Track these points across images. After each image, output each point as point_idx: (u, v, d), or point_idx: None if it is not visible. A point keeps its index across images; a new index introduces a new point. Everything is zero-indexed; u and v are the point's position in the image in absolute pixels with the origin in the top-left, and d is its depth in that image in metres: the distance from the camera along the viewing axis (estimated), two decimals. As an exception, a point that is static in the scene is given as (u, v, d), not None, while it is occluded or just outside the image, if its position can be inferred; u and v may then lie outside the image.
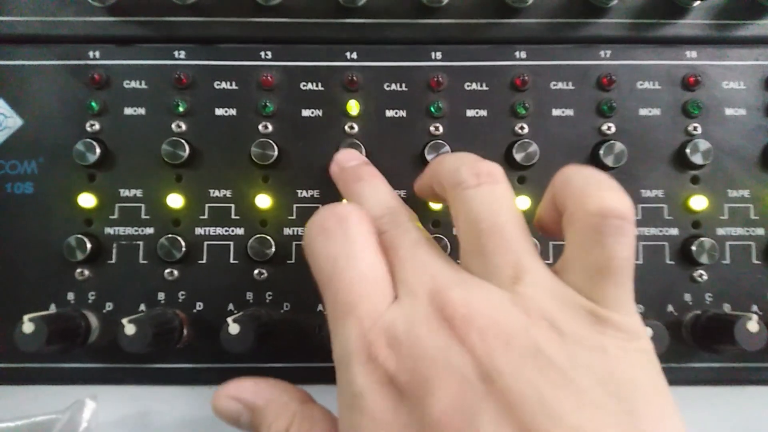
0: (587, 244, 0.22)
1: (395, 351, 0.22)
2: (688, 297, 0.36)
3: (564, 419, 0.19)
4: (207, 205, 0.36)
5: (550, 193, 0.25)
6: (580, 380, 0.20)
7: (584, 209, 0.22)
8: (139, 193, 0.36)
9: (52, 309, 0.35)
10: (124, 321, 0.30)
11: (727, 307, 0.36)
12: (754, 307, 0.36)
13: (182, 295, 0.35)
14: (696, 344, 0.35)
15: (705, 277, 0.36)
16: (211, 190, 0.36)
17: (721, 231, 0.36)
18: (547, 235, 0.27)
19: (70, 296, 0.35)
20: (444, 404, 0.20)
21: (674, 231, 0.36)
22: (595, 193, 0.22)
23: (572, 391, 0.19)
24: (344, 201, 0.28)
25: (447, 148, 0.35)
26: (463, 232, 0.25)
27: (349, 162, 0.33)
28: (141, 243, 0.36)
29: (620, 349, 0.21)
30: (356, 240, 0.25)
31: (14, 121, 0.36)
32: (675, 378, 0.35)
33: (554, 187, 0.25)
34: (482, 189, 0.25)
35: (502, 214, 0.24)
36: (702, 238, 0.35)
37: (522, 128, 0.36)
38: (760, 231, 0.36)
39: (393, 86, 0.37)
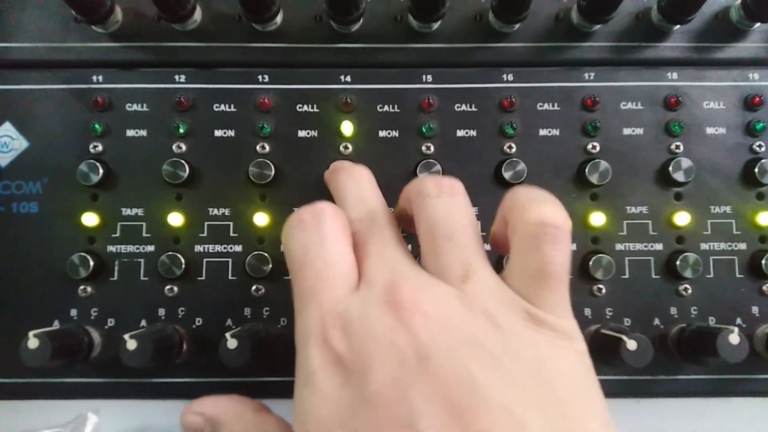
0: (526, 250, 0.24)
1: (347, 334, 0.23)
2: (674, 310, 0.37)
3: (491, 397, 0.20)
4: (206, 223, 0.37)
5: (501, 211, 0.28)
6: (510, 365, 0.21)
7: (524, 219, 0.25)
8: (140, 212, 0.37)
9: (56, 325, 0.36)
10: (126, 336, 0.31)
11: (712, 320, 0.37)
12: (738, 320, 0.37)
13: (182, 311, 0.36)
14: (681, 357, 0.36)
15: (690, 291, 0.37)
16: (211, 209, 0.37)
17: (704, 246, 0.37)
18: (500, 251, 0.29)
19: (73, 313, 0.36)
20: (381, 379, 0.21)
21: (659, 246, 0.37)
22: (534, 205, 0.25)
23: (502, 374, 0.21)
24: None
25: (438, 167, 0.37)
26: (422, 235, 0.27)
27: (341, 162, 0.35)
28: (142, 260, 0.37)
29: (553, 345, 0.23)
30: (328, 233, 0.27)
31: (20, 143, 0.38)
32: (662, 390, 0.36)
33: (503, 205, 0.27)
34: (442, 199, 0.27)
35: (458, 221, 0.27)
36: (686, 253, 0.36)
37: (510, 147, 0.38)
38: (743, 246, 0.37)
39: (386, 108, 0.38)
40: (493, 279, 0.25)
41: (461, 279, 0.25)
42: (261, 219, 0.37)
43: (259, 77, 0.38)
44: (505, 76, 0.38)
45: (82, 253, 0.36)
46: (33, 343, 0.31)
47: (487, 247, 0.29)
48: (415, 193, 0.28)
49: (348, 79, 0.39)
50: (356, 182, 0.31)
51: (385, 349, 0.22)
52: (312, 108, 0.38)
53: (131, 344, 0.31)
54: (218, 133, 0.38)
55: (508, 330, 0.23)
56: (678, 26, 0.38)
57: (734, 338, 0.32)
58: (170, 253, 0.36)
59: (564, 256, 0.24)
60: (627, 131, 0.38)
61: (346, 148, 0.38)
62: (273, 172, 0.37)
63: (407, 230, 0.32)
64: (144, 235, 0.37)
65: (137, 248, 0.37)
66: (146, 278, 0.37)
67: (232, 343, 0.31)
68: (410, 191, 0.29)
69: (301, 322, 0.25)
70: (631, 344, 0.31)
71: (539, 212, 0.24)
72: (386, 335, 0.23)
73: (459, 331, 0.22)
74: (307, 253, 0.27)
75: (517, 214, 0.25)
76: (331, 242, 0.27)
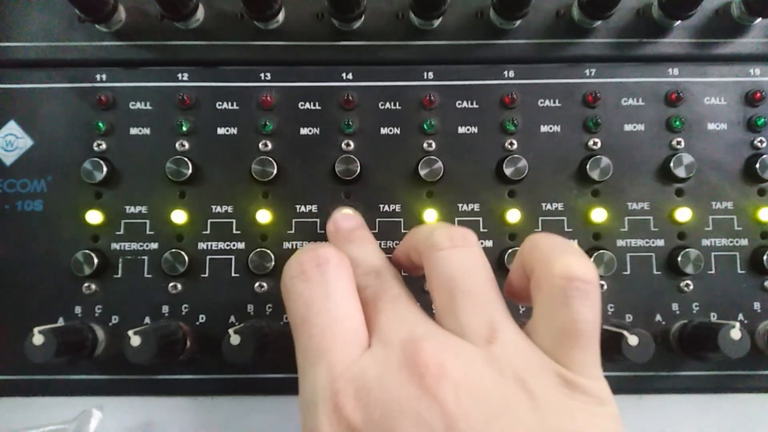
0: (553, 306, 0.23)
1: (362, 401, 0.22)
2: (675, 306, 0.37)
3: None
4: (209, 221, 0.37)
5: (518, 260, 0.26)
6: None
7: (550, 272, 0.23)
8: (144, 209, 0.37)
9: (60, 322, 0.36)
10: (130, 333, 0.31)
11: (713, 317, 0.37)
12: (740, 316, 0.37)
13: (185, 308, 0.37)
14: (683, 353, 0.36)
15: (692, 287, 0.37)
16: (214, 206, 0.37)
17: (706, 242, 0.37)
18: (517, 300, 0.27)
19: (78, 310, 0.37)
20: None
21: (660, 242, 0.37)
22: (561, 257, 0.23)
23: None
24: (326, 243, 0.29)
25: (440, 163, 0.37)
26: (436, 291, 0.26)
27: (346, 223, 0.33)
28: (146, 258, 0.37)
29: (588, 414, 0.21)
30: (334, 284, 0.25)
31: (25, 142, 0.38)
32: (663, 386, 0.37)
33: (522, 253, 0.26)
34: (456, 251, 0.26)
35: (476, 274, 0.25)
36: (687, 249, 0.36)
37: (511, 144, 0.38)
38: (744, 242, 0.37)
39: (387, 105, 0.38)
40: (521, 338, 0.24)
41: (486, 339, 0.23)
42: (264, 216, 0.37)
43: (262, 75, 0.39)
44: (506, 72, 0.38)
45: (87, 251, 0.36)
46: (38, 339, 0.31)
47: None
48: (426, 245, 0.27)
49: (350, 76, 0.39)
50: (357, 244, 0.31)
51: (410, 421, 0.20)
52: (314, 105, 0.38)
53: (135, 340, 0.31)
54: (221, 130, 0.38)
55: (542, 398, 0.21)
56: (679, 22, 0.38)
57: (736, 333, 0.32)
58: (174, 250, 0.36)
59: (594, 312, 0.23)
60: (628, 127, 0.38)
61: (348, 145, 0.38)
62: (275, 169, 0.37)
63: (410, 274, 0.32)
64: (148, 232, 0.37)
65: (141, 245, 0.37)
66: (150, 275, 0.37)
67: (235, 339, 0.31)
68: (418, 241, 0.27)
69: (308, 384, 0.24)
70: (633, 339, 0.31)
71: (566, 265, 0.23)
72: (410, 405, 0.21)
73: (491, 401, 0.21)
74: (311, 307, 0.25)
75: (541, 265, 0.24)
76: (338, 295, 0.25)
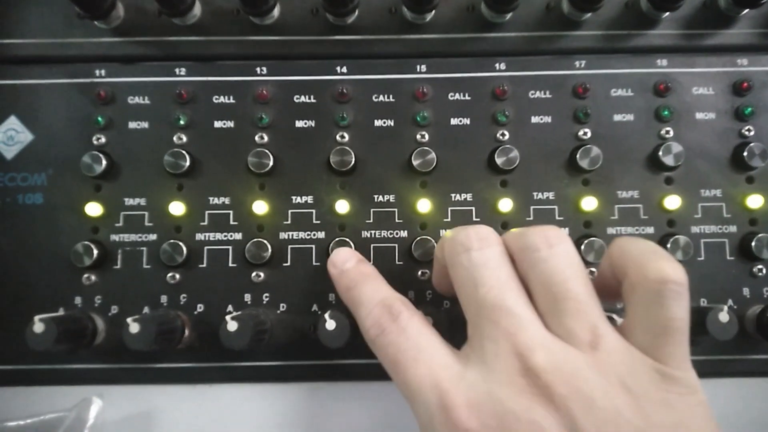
0: (650, 307, 0.25)
1: (476, 410, 0.24)
2: (665, 292, 0.37)
3: None
4: (207, 212, 0.38)
5: (606, 262, 0.28)
6: None
7: (645, 276, 0.25)
8: (142, 201, 0.38)
9: (61, 312, 0.37)
10: (129, 320, 0.32)
11: (703, 302, 0.37)
12: (730, 302, 0.37)
13: (184, 297, 0.37)
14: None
15: (681, 274, 0.37)
16: (211, 198, 0.38)
17: (695, 229, 0.38)
18: (603, 299, 0.28)
19: (78, 300, 0.37)
20: None
21: (650, 230, 0.38)
22: (654, 262, 0.25)
23: None
24: (380, 295, 0.30)
25: (433, 154, 0.37)
26: (538, 294, 0.27)
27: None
28: (144, 249, 0.38)
29: (685, 404, 0.24)
30: (413, 336, 0.28)
31: (25, 136, 0.39)
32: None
33: (611, 257, 0.27)
34: (553, 252, 0.27)
35: (576, 278, 0.26)
36: (677, 236, 0.37)
37: (503, 135, 0.38)
38: (733, 228, 0.38)
39: (381, 97, 0.39)
40: (620, 341, 0.25)
41: (591, 345, 0.25)
42: (260, 207, 0.38)
43: (258, 69, 0.39)
44: (497, 65, 0.39)
45: (86, 242, 0.37)
46: (38, 327, 0.32)
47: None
48: (522, 248, 0.28)
49: (344, 70, 0.39)
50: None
51: (528, 429, 0.22)
52: (309, 99, 0.39)
53: (134, 327, 0.32)
54: (218, 124, 0.39)
55: (644, 397, 0.23)
56: (667, 14, 0.39)
57: (724, 316, 0.32)
58: (172, 241, 0.37)
59: (687, 311, 0.25)
60: (617, 117, 0.39)
61: (342, 137, 0.38)
62: (271, 161, 0.37)
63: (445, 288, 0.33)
64: (146, 224, 0.38)
65: (140, 237, 0.38)
66: (149, 266, 0.37)
67: (232, 326, 0.32)
68: (511, 244, 0.28)
69: (421, 409, 0.25)
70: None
71: (660, 268, 0.25)
72: (526, 414, 0.23)
73: (601, 406, 0.23)
74: (398, 361, 0.27)
75: (635, 270, 0.26)
76: (421, 341, 0.27)
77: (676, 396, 0.24)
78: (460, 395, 0.24)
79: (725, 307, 0.33)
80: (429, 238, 0.37)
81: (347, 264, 0.33)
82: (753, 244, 0.37)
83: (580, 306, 0.26)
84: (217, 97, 0.39)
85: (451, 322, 0.34)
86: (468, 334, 0.27)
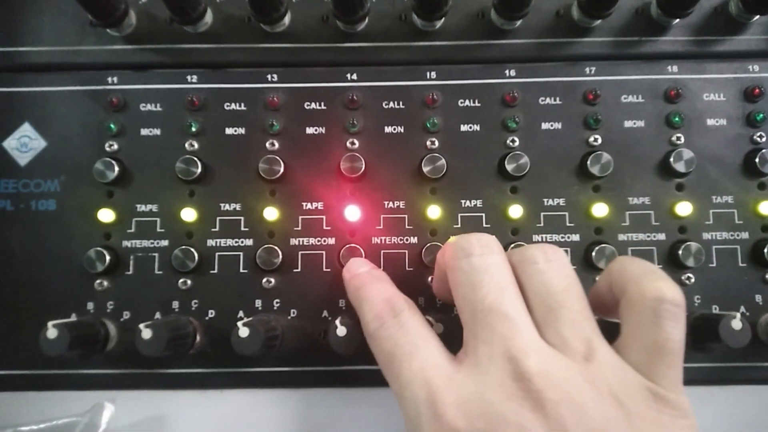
0: (646, 325, 0.25)
1: (463, 409, 0.24)
2: (677, 299, 0.37)
3: None
4: (218, 218, 0.38)
5: (605, 279, 0.28)
6: None
7: (643, 295, 0.25)
8: (154, 207, 0.38)
9: (73, 318, 0.37)
10: (141, 326, 0.32)
11: (715, 309, 0.37)
12: (742, 308, 0.37)
13: (195, 303, 0.37)
14: (685, 345, 0.36)
15: (693, 280, 0.37)
16: (222, 204, 0.38)
17: (707, 235, 0.38)
18: (600, 315, 0.29)
19: (90, 306, 0.37)
20: None
21: (662, 236, 0.38)
22: (653, 282, 0.25)
23: None
24: (385, 294, 0.31)
25: (443, 160, 0.37)
26: (534, 304, 0.27)
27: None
28: (156, 255, 0.38)
29: (676, 426, 0.23)
30: (411, 329, 0.28)
31: (39, 143, 0.39)
32: (666, 377, 0.37)
33: (611, 274, 0.28)
34: (551, 266, 0.27)
35: (572, 291, 0.27)
36: (688, 243, 0.37)
37: (513, 141, 0.38)
38: (745, 235, 0.38)
39: (391, 104, 0.39)
40: (613, 356, 0.25)
41: (584, 356, 0.25)
42: (271, 213, 0.38)
43: (269, 77, 0.40)
44: (507, 71, 0.39)
45: (99, 248, 0.37)
46: (52, 332, 0.32)
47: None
48: (520, 258, 0.28)
49: (354, 77, 0.40)
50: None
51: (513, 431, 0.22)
52: (320, 105, 0.39)
53: (146, 333, 0.32)
54: (229, 131, 0.39)
55: (635, 413, 0.23)
56: (677, 20, 0.39)
57: (737, 323, 0.32)
58: (183, 247, 0.37)
59: (682, 333, 0.25)
60: (628, 124, 0.39)
61: (353, 143, 0.39)
62: (282, 168, 0.38)
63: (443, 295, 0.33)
64: (158, 230, 0.38)
65: (152, 243, 0.38)
66: (160, 272, 0.38)
67: (243, 332, 0.32)
68: (511, 257, 0.29)
69: (410, 405, 0.25)
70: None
71: (658, 288, 0.25)
72: (514, 417, 0.23)
73: (591, 417, 0.22)
74: (394, 354, 0.27)
75: (633, 288, 0.26)
76: (418, 338, 0.28)
77: (667, 417, 0.23)
78: (449, 394, 0.24)
79: (738, 315, 0.32)
80: (439, 244, 0.37)
81: (360, 269, 0.34)
82: (765, 250, 0.37)
83: (575, 317, 0.26)
84: (228, 104, 0.39)
85: (461, 329, 0.34)
86: (464, 338, 0.27)
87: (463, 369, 0.25)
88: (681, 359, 0.25)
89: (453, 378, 0.25)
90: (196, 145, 0.39)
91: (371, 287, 0.31)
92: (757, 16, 0.39)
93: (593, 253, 0.37)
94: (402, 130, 0.39)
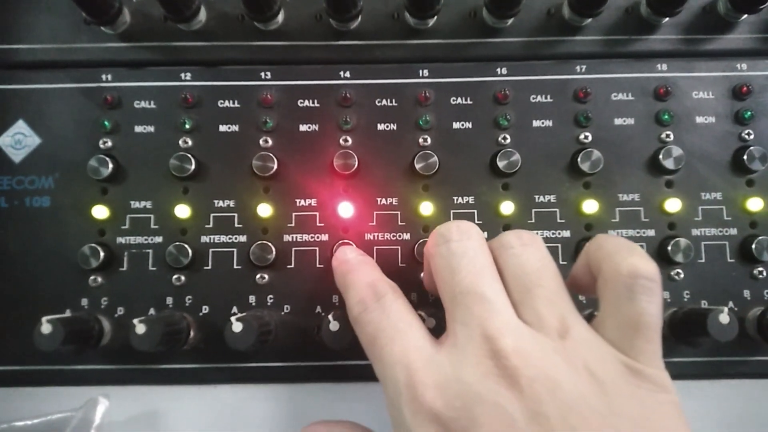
0: (621, 301, 0.25)
1: (441, 389, 0.24)
2: (666, 295, 0.38)
3: None
4: (212, 215, 0.38)
5: (584, 258, 0.28)
6: (619, 424, 0.22)
7: (618, 271, 0.25)
8: (148, 204, 0.38)
9: (68, 314, 0.37)
10: (135, 321, 0.32)
11: (704, 304, 0.38)
12: (731, 304, 0.38)
13: (189, 299, 0.38)
14: (675, 339, 0.36)
15: (682, 276, 0.38)
16: (216, 201, 0.38)
17: (696, 231, 0.38)
18: (580, 293, 0.29)
19: (84, 302, 0.38)
20: None
21: (651, 232, 0.38)
22: (627, 258, 0.25)
23: None
24: (370, 278, 0.31)
25: (435, 158, 0.38)
26: (511, 286, 0.27)
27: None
28: (150, 251, 0.38)
29: (654, 401, 0.23)
30: (393, 313, 0.28)
31: (33, 140, 0.39)
32: (655, 371, 0.37)
33: (588, 253, 0.28)
34: (526, 249, 0.28)
35: (547, 271, 0.27)
36: (677, 238, 0.37)
37: (505, 138, 0.39)
38: (734, 231, 0.38)
39: (384, 102, 0.39)
40: (590, 332, 0.25)
41: (559, 333, 0.25)
42: (264, 210, 0.38)
43: (262, 74, 0.40)
44: (498, 69, 0.40)
45: (93, 245, 0.37)
46: (46, 328, 0.32)
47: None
48: (497, 245, 0.29)
49: (347, 74, 0.40)
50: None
51: (490, 410, 0.22)
52: (313, 103, 0.40)
53: (140, 328, 0.32)
54: (223, 128, 0.39)
55: (611, 387, 0.23)
56: (666, 19, 0.39)
57: (724, 318, 0.33)
58: (177, 243, 0.37)
59: (658, 307, 0.25)
60: (618, 121, 0.39)
61: (346, 141, 0.39)
62: (276, 164, 0.38)
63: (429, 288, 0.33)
64: (152, 226, 0.38)
65: (146, 239, 0.38)
66: (154, 268, 0.38)
67: (237, 327, 0.32)
68: (490, 244, 0.29)
69: (390, 385, 0.26)
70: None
71: (632, 263, 0.25)
72: (491, 395, 0.23)
73: (566, 391, 0.22)
74: (377, 338, 0.27)
75: (609, 265, 0.26)
76: (400, 322, 0.28)
77: (645, 392, 0.23)
78: (428, 376, 0.24)
79: (726, 309, 0.33)
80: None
81: (348, 255, 0.34)
82: (753, 246, 0.37)
83: (550, 295, 0.26)
84: (222, 101, 0.39)
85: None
86: (446, 322, 0.28)
87: (442, 351, 0.26)
88: (658, 334, 0.25)
89: (432, 360, 0.25)
90: (190, 142, 0.39)
91: (357, 273, 0.32)
92: (745, 15, 0.39)
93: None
94: (395, 128, 0.39)
